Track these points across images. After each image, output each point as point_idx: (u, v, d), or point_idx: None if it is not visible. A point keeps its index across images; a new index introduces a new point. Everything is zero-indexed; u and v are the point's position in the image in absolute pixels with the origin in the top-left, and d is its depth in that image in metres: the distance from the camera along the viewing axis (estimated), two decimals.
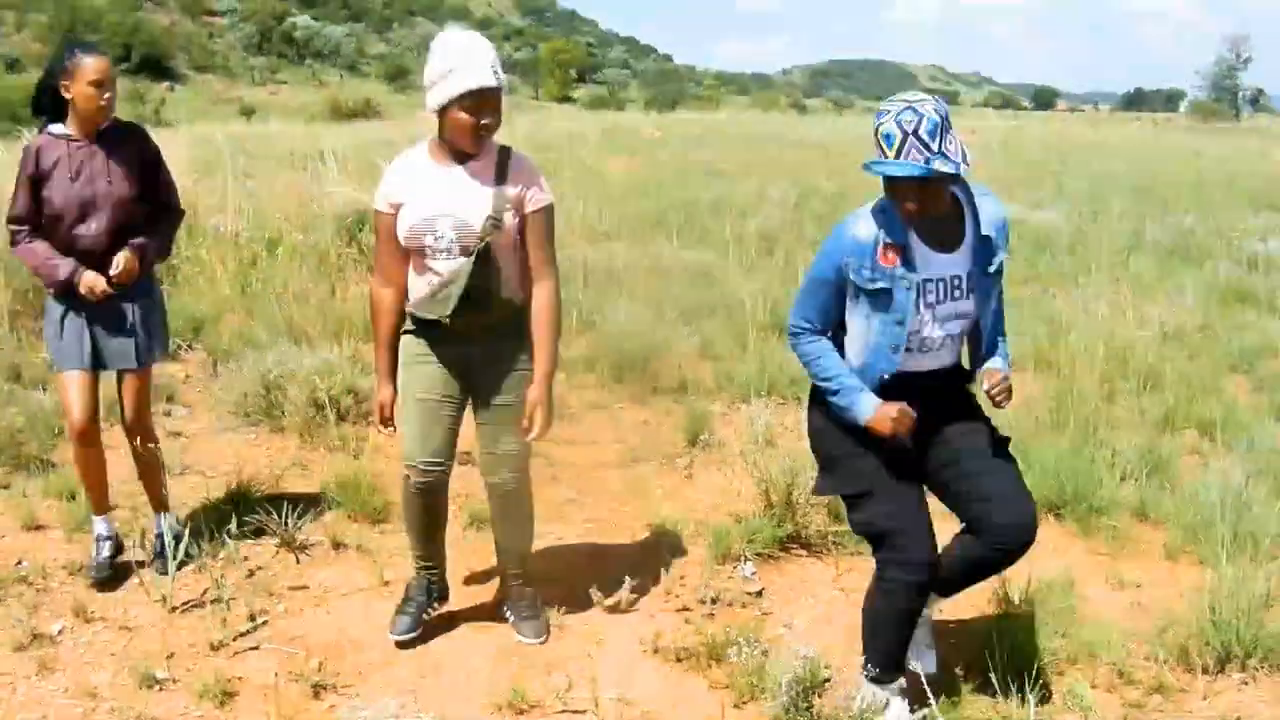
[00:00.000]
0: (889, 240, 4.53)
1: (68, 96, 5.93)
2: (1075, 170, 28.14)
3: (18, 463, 7.57)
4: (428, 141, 5.35)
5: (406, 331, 5.50)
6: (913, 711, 4.80)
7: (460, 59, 5.01)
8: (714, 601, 6.06)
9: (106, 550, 6.33)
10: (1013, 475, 4.77)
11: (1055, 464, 7.30)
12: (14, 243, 6.13)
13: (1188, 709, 5.15)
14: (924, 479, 4.82)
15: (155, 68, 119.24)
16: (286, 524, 6.60)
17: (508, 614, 5.88)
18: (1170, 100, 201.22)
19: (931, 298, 4.60)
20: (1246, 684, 5.34)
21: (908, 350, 4.65)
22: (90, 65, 5.87)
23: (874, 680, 4.84)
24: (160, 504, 6.51)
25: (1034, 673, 5.19)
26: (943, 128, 4.31)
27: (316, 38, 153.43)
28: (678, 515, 6.91)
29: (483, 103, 5.03)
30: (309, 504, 7.04)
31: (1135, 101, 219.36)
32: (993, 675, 5.11)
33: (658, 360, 9.87)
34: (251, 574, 6.30)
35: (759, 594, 6.22)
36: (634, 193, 20.06)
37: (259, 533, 6.66)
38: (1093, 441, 7.76)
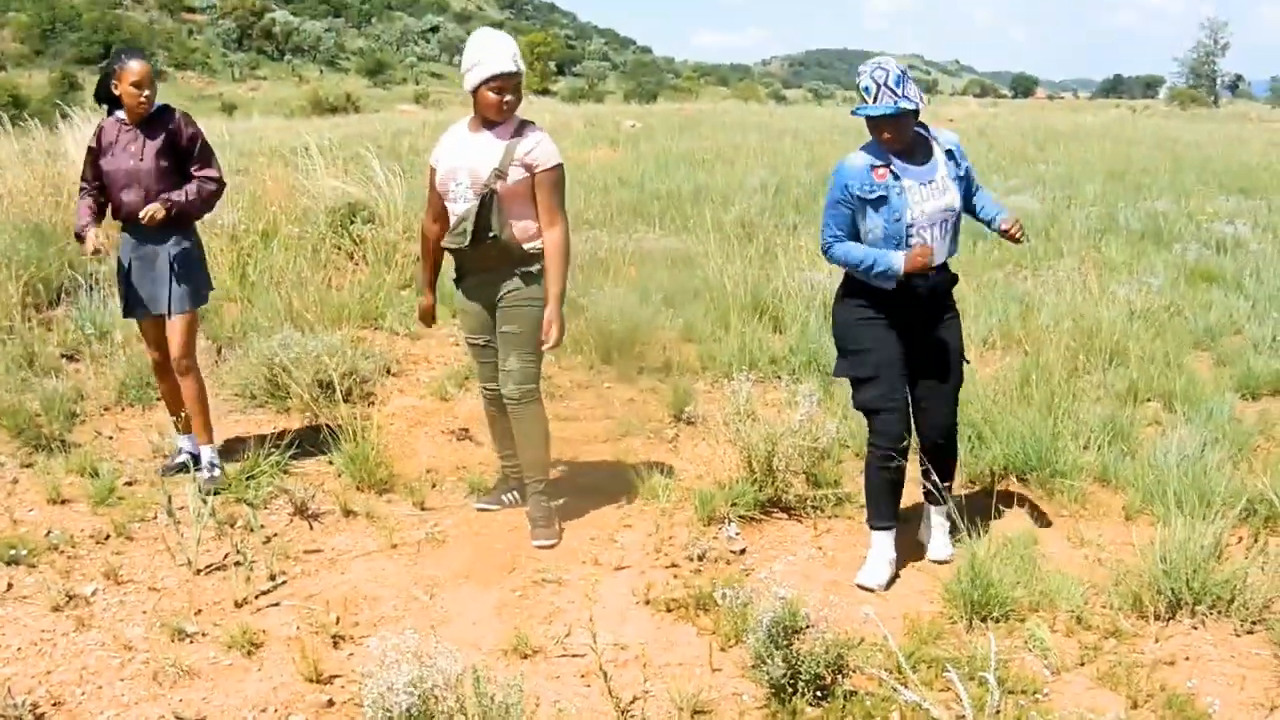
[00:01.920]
0: (877, 163, 6.05)
1: (116, 93, 7.12)
2: (1052, 156, 28.27)
3: (39, 443, 7.94)
4: (470, 116, 6.72)
5: (455, 279, 6.95)
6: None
7: (487, 51, 6.47)
8: (700, 559, 6.47)
9: (182, 458, 7.55)
10: (949, 392, 6.42)
11: (1020, 432, 7.66)
12: (80, 197, 7.48)
13: (1140, 650, 5.50)
14: (908, 367, 6.32)
15: None
16: (300, 494, 7.04)
17: (529, 520, 6.97)
18: (1150, 87, 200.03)
19: (918, 196, 6.06)
20: (1196, 628, 5.70)
21: (899, 246, 6.06)
22: (131, 69, 7.12)
23: (871, 526, 6.45)
24: (206, 435, 7.58)
25: (997, 618, 5.64)
26: (904, 78, 5.87)
27: (296, 33, 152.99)
28: (665, 483, 7.26)
29: (504, 84, 6.47)
30: (318, 477, 7.52)
31: (1114, 88, 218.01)
32: (959, 619, 5.57)
33: (643, 342, 10.26)
34: (268, 540, 6.70)
35: (742, 552, 6.62)
36: (616, 182, 20.28)
37: (272, 503, 7.17)
38: (1058, 412, 8.04)
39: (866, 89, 5.87)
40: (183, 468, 7.36)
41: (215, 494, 7.02)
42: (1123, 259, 14.34)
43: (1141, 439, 8.08)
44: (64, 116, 15.35)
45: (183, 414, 7.55)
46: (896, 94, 5.83)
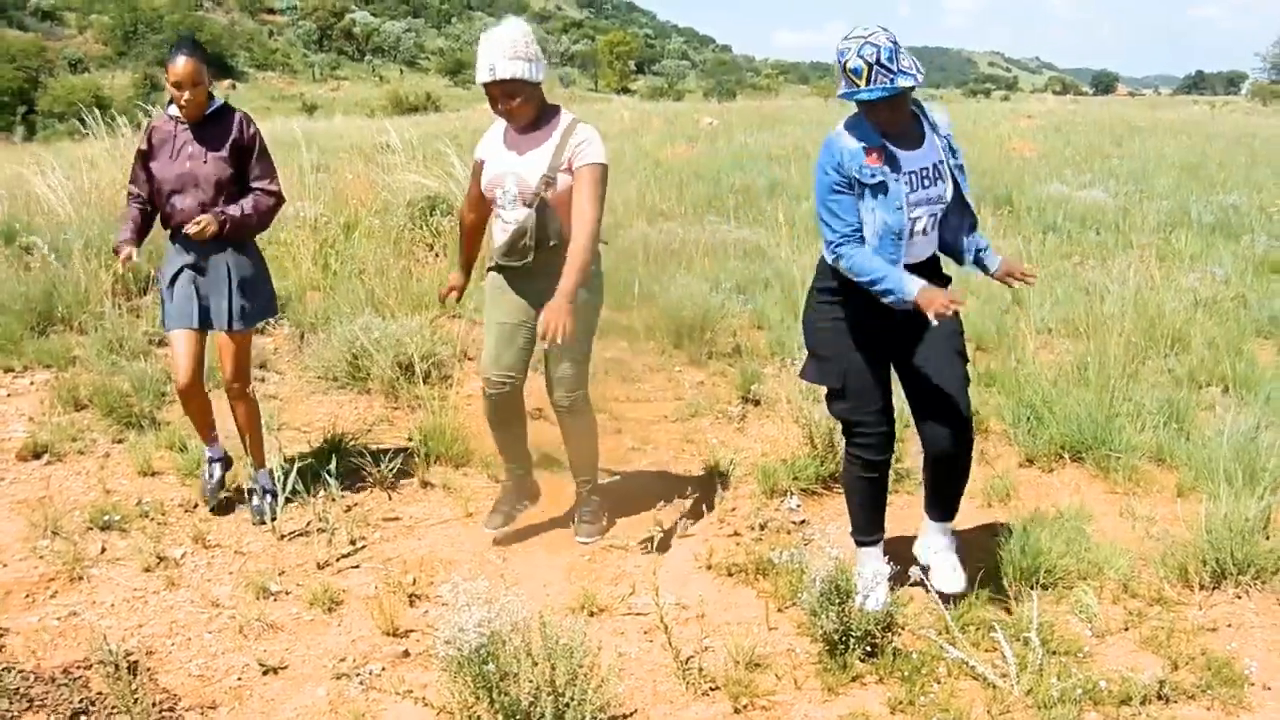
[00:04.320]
0: (869, 146, 5.26)
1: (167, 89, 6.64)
2: (1128, 151, 28.22)
3: (130, 421, 8.31)
4: None
5: (490, 269, 6.47)
6: (892, 576, 5.62)
7: (477, 58, 6.14)
8: (762, 528, 6.69)
9: (217, 470, 7.12)
10: (955, 389, 5.52)
11: (1077, 413, 7.80)
12: (128, 204, 6.97)
13: (1184, 617, 5.66)
14: (898, 371, 5.67)
15: (217, 66, 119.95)
16: (379, 467, 7.32)
17: (575, 518, 6.79)
18: (1232, 83, 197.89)
19: (907, 187, 5.33)
20: (1239, 597, 5.85)
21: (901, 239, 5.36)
22: (172, 68, 6.53)
23: (855, 539, 5.92)
24: (258, 460, 7.11)
25: (1045, 585, 5.81)
26: (896, 51, 5.05)
27: (376, 34, 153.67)
28: (730, 458, 7.52)
29: (491, 93, 6.11)
30: (397, 451, 7.73)
31: (1196, 85, 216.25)
32: (1006, 584, 5.75)
33: (713, 328, 10.42)
34: (349, 509, 7.00)
35: (803, 523, 6.82)
36: (692, 177, 20.47)
37: (353, 475, 7.40)
38: (1115, 395, 8.19)
39: (856, 70, 5.08)
40: (223, 478, 7.14)
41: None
42: (1192, 251, 14.40)
43: (1198, 421, 8.15)
44: (146, 115, 15.66)
45: (210, 431, 7.11)
46: (891, 71, 5.07)
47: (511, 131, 6.29)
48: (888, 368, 5.64)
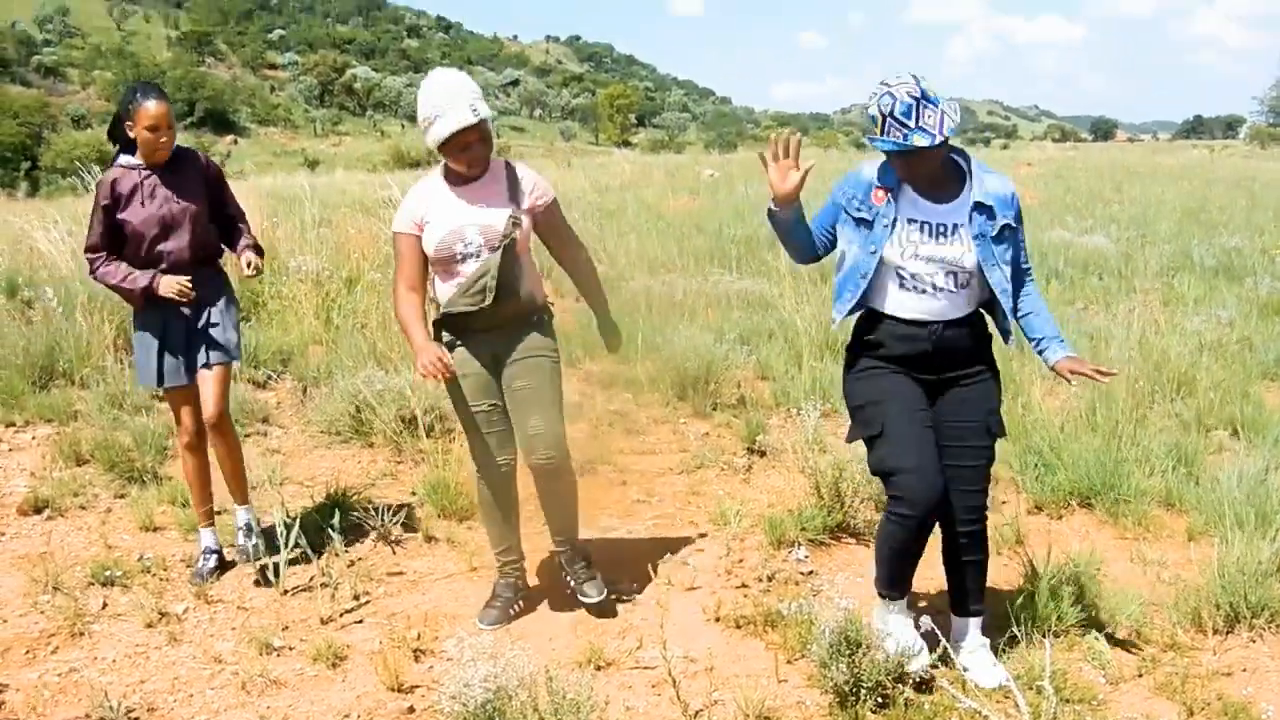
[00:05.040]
0: (880, 183, 5.15)
1: (131, 136, 6.48)
2: (1128, 197, 28.29)
3: (131, 476, 8.31)
4: (440, 167, 6.08)
5: (445, 342, 6.10)
6: (917, 628, 5.32)
7: (444, 102, 5.76)
8: (770, 579, 6.61)
9: (212, 562, 6.90)
10: (970, 472, 5.39)
11: (1086, 458, 7.76)
12: (92, 270, 6.68)
13: (1198, 662, 5.61)
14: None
15: (219, 121, 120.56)
16: (383, 521, 7.26)
17: (570, 583, 6.44)
18: (1230, 127, 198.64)
19: (915, 236, 5.12)
20: (1254, 641, 5.81)
21: (901, 287, 5.19)
22: (147, 111, 6.39)
23: (881, 596, 5.57)
24: (242, 497, 7.02)
25: (1057, 632, 5.74)
26: (917, 107, 4.84)
27: (377, 89, 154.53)
28: (736, 509, 7.38)
29: (466, 139, 5.79)
30: (401, 505, 7.66)
31: (1195, 129, 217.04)
32: (1018, 632, 5.68)
33: (718, 379, 10.36)
34: (353, 564, 6.96)
35: (811, 574, 6.76)
36: (694, 230, 20.49)
37: (356, 530, 7.34)
38: (1123, 439, 8.16)
39: (873, 118, 4.95)
40: (217, 569, 6.88)
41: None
42: (1195, 294, 14.40)
43: (1206, 464, 8.11)
44: None
45: (207, 508, 6.96)
46: (906, 127, 4.87)
47: (447, 187, 6.00)
48: (930, 426, 5.29)
